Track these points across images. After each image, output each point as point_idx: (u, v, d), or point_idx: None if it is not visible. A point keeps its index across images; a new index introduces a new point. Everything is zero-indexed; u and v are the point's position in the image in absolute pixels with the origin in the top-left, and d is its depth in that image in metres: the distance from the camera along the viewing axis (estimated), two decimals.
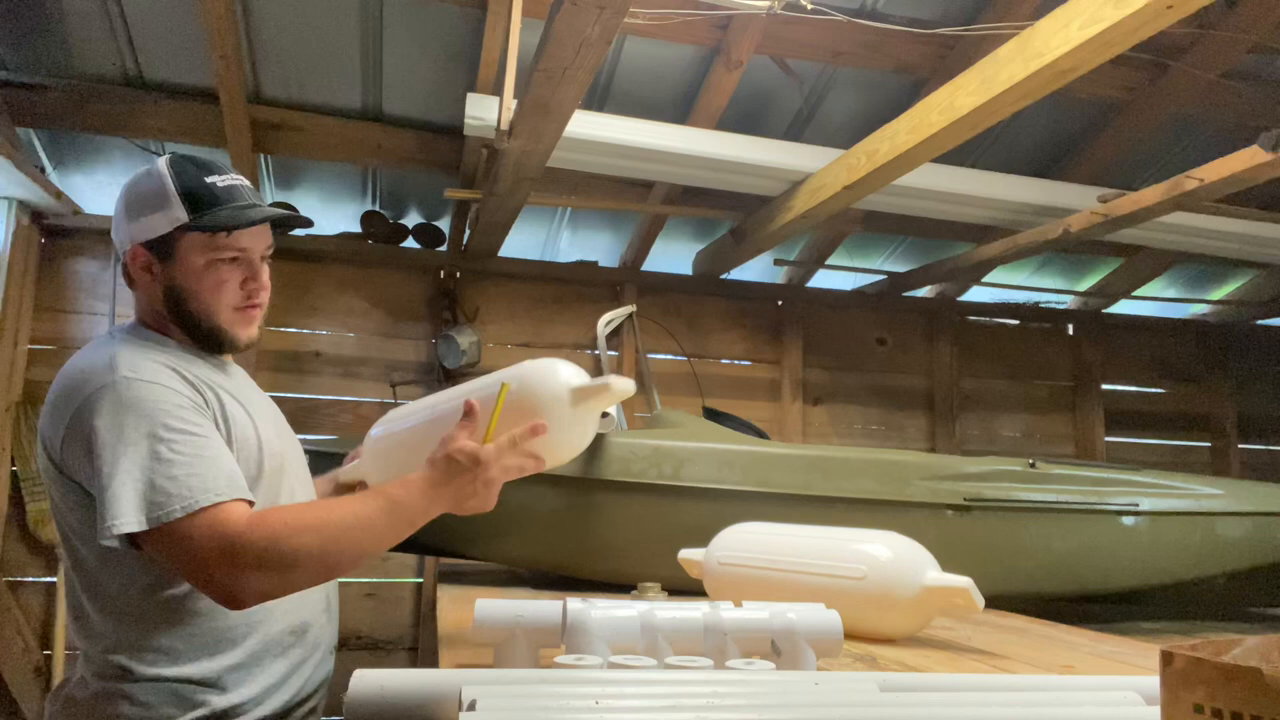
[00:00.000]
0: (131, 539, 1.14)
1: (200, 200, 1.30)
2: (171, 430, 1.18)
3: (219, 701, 1.22)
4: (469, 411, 1.24)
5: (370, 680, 0.99)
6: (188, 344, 1.36)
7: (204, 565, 1.13)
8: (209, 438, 1.22)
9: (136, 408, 1.19)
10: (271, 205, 1.44)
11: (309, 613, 1.37)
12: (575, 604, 1.25)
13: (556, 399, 1.23)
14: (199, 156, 1.37)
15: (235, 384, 1.39)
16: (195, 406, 1.24)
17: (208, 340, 1.36)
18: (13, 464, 3.21)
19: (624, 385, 1.22)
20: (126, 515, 1.12)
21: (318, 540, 1.17)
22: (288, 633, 1.32)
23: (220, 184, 1.32)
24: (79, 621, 1.26)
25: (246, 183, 1.38)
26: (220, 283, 1.33)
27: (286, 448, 1.42)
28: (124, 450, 1.15)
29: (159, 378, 1.23)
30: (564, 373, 1.26)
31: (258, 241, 1.36)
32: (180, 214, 1.29)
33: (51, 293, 3.38)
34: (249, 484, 1.26)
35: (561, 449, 1.26)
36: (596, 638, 1.19)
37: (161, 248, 1.32)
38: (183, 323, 1.35)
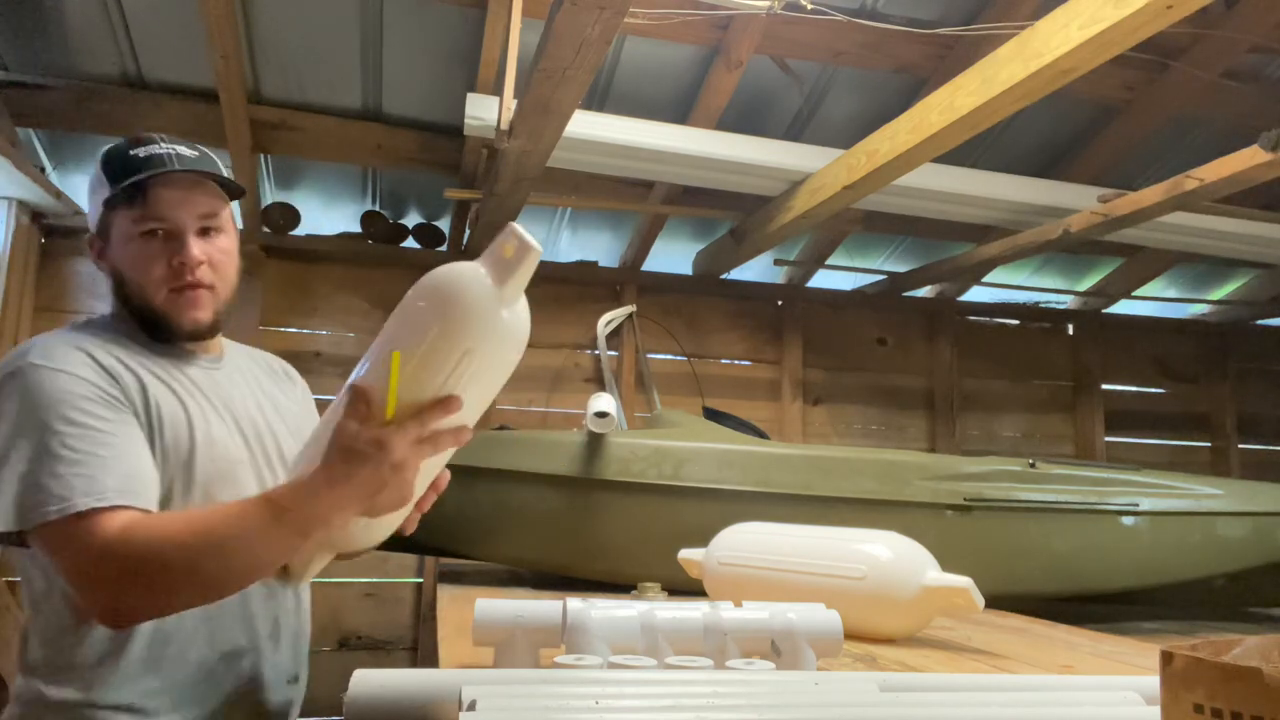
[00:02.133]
0: (20, 538, 1.07)
1: (118, 172, 1.21)
2: (69, 423, 1.08)
3: None
4: (356, 396, 1.00)
5: (370, 680, 0.99)
6: (141, 334, 1.25)
7: (75, 575, 1.05)
8: (113, 434, 1.10)
9: (36, 395, 1.09)
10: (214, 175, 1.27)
11: (247, 638, 1.23)
12: (575, 604, 1.25)
13: (481, 312, 0.98)
14: (145, 134, 1.26)
15: (191, 376, 1.25)
16: (105, 399, 1.12)
17: (151, 326, 1.24)
18: None
19: (530, 241, 0.98)
20: (1, 511, 1.04)
21: (191, 555, 1.02)
22: (218, 659, 1.19)
23: (142, 153, 1.21)
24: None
25: (183, 149, 1.24)
26: (144, 259, 1.21)
27: (253, 455, 1.27)
28: (15, 441, 1.07)
29: (68, 365, 1.13)
30: (470, 276, 0.99)
31: (182, 211, 1.21)
32: (105, 190, 1.21)
33: (51, 293, 3.38)
34: (173, 488, 1.15)
35: (499, 366, 1.04)
36: (596, 638, 1.19)
37: (102, 231, 1.25)
38: (128, 308, 1.25)
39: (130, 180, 1.19)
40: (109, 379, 1.15)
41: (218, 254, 1.25)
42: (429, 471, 1.08)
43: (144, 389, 1.18)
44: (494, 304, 0.98)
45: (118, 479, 1.07)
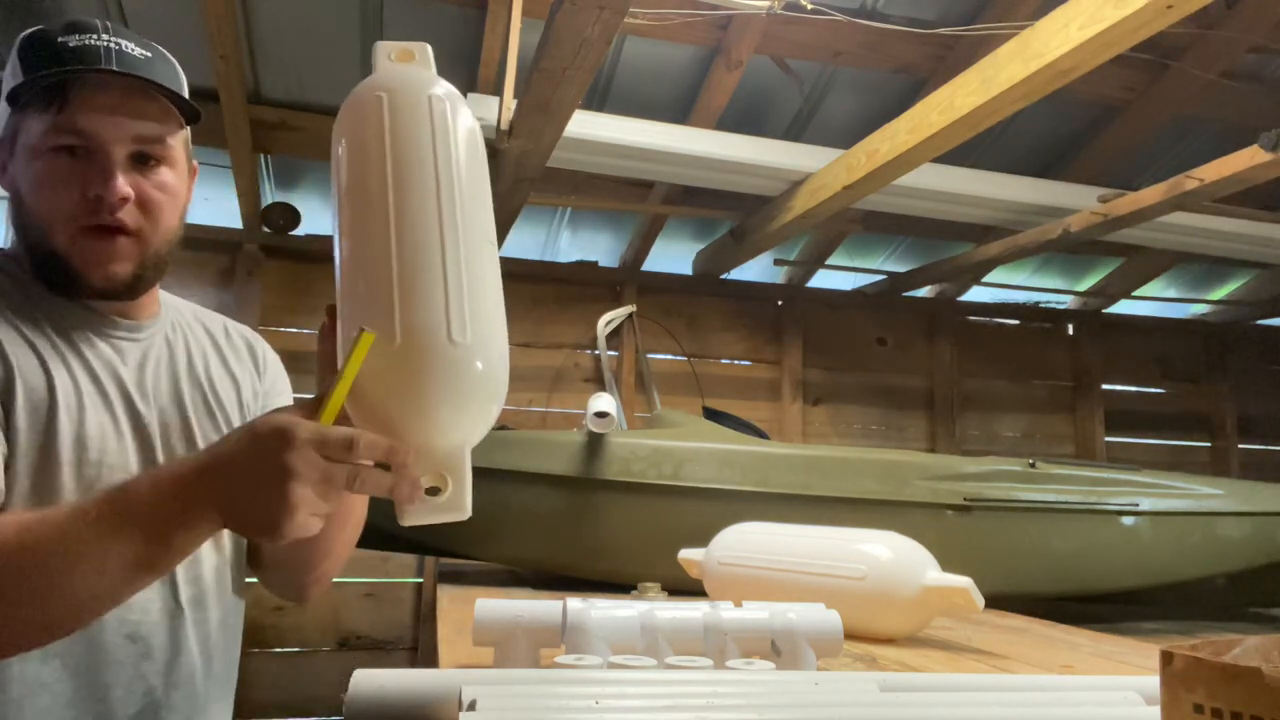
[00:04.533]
0: None
1: (35, 62, 0.91)
2: None
3: None
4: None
5: (370, 680, 0.99)
6: (37, 282, 0.97)
7: None
8: None
9: None
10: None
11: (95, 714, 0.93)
12: (575, 604, 1.25)
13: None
14: (87, 18, 0.97)
15: (89, 348, 0.97)
16: None
17: (49, 273, 0.96)
18: None
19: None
20: None
21: (20, 570, 0.74)
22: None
23: (72, 42, 0.92)
24: None
25: (131, 46, 0.95)
26: (52, 183, 0.92)
27: (148, 464, 0.98)
28: None
29: None
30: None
31: (113, 126, 0.93)
32: (16, 81, 0.93)
33: None
34: (13, 504, 0.87)
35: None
36: (596, 638, 1.19)
37: (8, 136, 0.96)
38: (25, 244, 0.96)
39: (47, 73, 0.91)
40: None
41: (153, 191, 0.97)
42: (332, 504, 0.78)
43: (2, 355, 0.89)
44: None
45: None
